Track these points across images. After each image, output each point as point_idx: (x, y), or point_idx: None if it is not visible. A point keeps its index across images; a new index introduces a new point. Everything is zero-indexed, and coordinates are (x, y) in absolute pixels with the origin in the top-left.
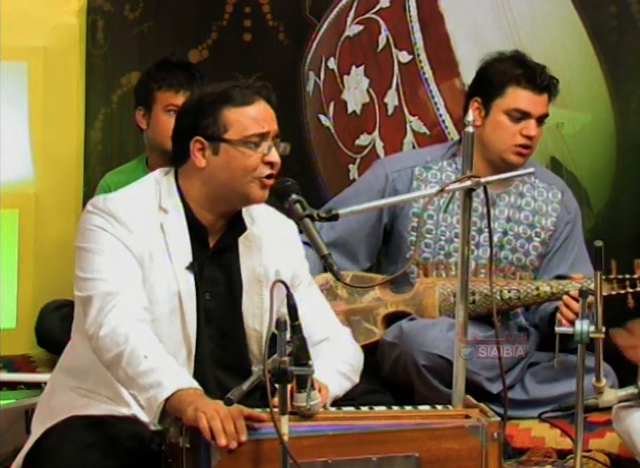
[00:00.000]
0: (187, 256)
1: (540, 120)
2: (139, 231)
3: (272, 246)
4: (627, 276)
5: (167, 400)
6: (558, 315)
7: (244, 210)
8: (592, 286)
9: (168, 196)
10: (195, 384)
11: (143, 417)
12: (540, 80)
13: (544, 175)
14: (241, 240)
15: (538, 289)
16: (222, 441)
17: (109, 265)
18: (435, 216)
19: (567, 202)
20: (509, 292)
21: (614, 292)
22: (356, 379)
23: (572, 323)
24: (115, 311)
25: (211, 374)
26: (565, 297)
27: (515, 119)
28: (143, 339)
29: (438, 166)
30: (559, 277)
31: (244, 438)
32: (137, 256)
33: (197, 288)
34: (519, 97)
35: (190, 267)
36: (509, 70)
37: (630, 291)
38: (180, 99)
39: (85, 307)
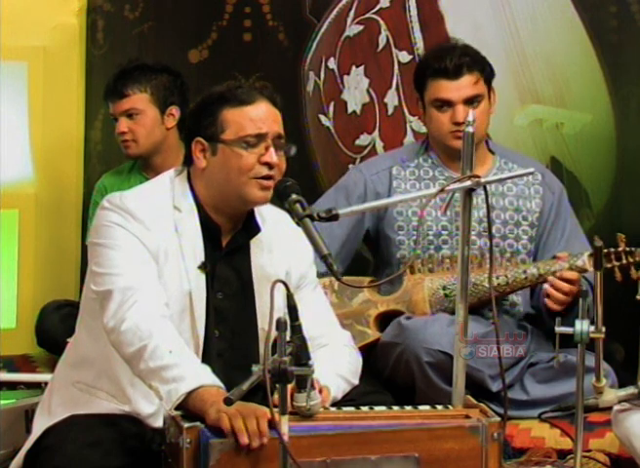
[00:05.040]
0: (200, 256)
1: (470, 101)
2: (154, 229)
3: (283, 247)
4: (612, 250)
5: (188, 394)
6: (547, 301)
7: (256, 211)
8: (579, 263)
9: (181, 195)
10: (217, 382)
11: (144, 412)
12: (446, 65)
13: (522, 160)
14: (253, 241)
15: (525, 272)
16: (245, 439)
17: (126, 261)
18: (419, 212)
19: (549, 182)
20: (497, 278)
21: None
22: (355, 382)
23: (562, 304)
24: (137, 306)
25: (220, 374)
26: (550, 279)
27: (441, 109)
28: (168, 335)
29: (415, 163)
30: (557, 257)
31: (266, 439)
32: (152, 253)
33: (209, 287)
34: (436, 88)
35: (202, 267)
36: (425, 63)
37: (617, 264)
38: (114, 107)
39: (104, 301)
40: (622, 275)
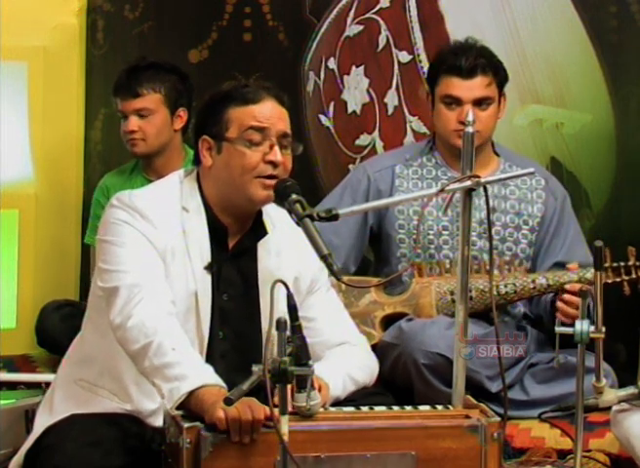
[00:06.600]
0: (206, 257)
1: (480, 103)
2: (162, 228)
3: (292, 250)
4: (622, 263)
5: (190, 393)
6: (558, 314)
7: (264, 213)
8: (588, 275)
9: (189, 196)
10: (220, 382)
11: (147, 409)
12: (461, 64)
13: (526, 164)
14: (260, 243)
15: (534, 281)
16: (235, 438)
17: (133, 258)
18: (421, 211)
19: (552, 188)
20: (505, 286)
21: (609, 281)
22: (363, 383)
23: (572, 318)
24: (144, 303)
25: (222, 375)
26: (565, 296)
27: (450, 106)
28: (172, 333)
29: (418, 162)
30: (558, 263)
31: (254, 436)
32: (159, 252)
33: (214, 288)
34: (448, 84)
35: (208, 267)
36: (440, 59)
37: (626, 278)
38: (125, 105)
39: (110, 297)
40: (631, 289)
